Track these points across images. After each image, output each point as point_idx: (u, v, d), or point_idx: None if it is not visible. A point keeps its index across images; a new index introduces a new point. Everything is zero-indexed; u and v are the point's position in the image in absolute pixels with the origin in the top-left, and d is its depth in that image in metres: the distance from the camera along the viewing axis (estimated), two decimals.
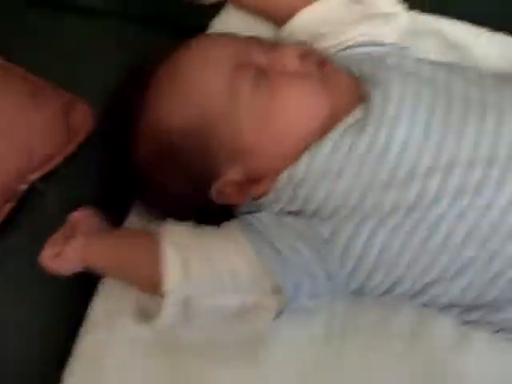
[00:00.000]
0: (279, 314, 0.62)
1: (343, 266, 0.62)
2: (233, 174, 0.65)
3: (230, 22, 0.77)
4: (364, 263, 0.61)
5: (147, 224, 0.71)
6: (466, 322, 0.65)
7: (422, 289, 0.63)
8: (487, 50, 0.74)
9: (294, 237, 0.62)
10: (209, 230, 0.65)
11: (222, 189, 0.65)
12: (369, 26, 0.71)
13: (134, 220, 0.73)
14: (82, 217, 0.69)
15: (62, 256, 0.66)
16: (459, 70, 0.67)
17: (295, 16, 0.72)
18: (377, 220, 0.60)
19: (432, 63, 0.67)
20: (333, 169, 0.61)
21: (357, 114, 0.62)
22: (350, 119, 0.62)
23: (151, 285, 0.63)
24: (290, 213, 0.63)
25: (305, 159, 0.62)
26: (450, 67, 0.67)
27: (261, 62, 0.64)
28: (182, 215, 0.67)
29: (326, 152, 0.61)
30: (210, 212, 0.67)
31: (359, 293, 0.64)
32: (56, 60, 0.78)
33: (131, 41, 0.80)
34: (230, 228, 0.65)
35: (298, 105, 0.63)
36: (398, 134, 0.60)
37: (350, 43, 0.70)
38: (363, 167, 0.60)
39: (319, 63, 0.64)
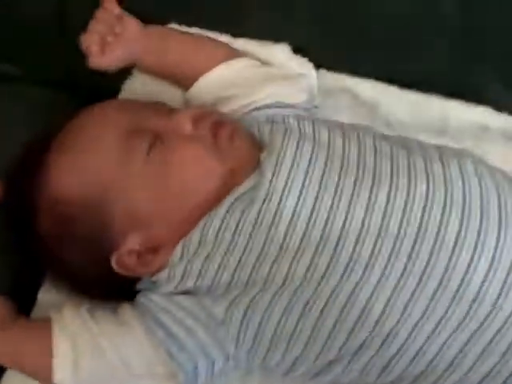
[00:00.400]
0: None
1: (240, 346, 0.61)
2: (130, 243, 0.63)
3: (139, 87, 0.77)
4: (261, 342, 0.61)
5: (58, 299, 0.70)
6: None
7: (322, 368, 0.61)
8: (396, 107, 0.75)
9: (188, 319, 0.61)
10: (104, 314, 0.64)
11: (122, 259, 0.64)
12: (276, 87, 0.71)
13: (45, 296, 0.72)
14: None
15: None
16: (357, 135, 0.65)
17: (200, 79, 0.72)
18: (270, 296, 0.59)
19: (331, 126, 0.67)
20: (223, 242, 0.60)
21: (248, 183, 0.61)
22: (241, 189, 0.61)
23: (47, 377, 0.63)
24: (184, 292, 0.62)
25: (197, 230, 0.61)
26: (349, 131, 0.66)
27: (158, 128, 0.64)
28: (89, 289, 0.66)
29: (216, 224, 0.60)
30: (117, 285, 0.65)
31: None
32: None
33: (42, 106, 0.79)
34: (125, 310, 0.63)
35: (190, 168, 0.62)
36: (288, 205, 0.59)
37: (256, 105, 0.70)
38: (253, 240, 0.59)
39: (214, 127, 0.64)
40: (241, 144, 0.64)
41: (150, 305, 0.62)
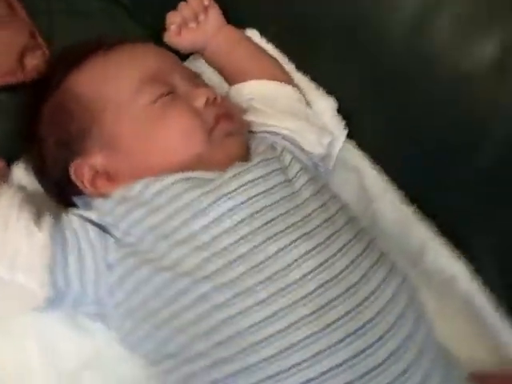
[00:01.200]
0: (43, 306, 0.64)
1: (110, 297, 0.63)
2: (96, 158, 0.68)
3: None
4: (127, 305, 0.63)
5: None
6: None
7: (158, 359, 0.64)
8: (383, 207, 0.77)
9: (86, 248, 0.64)
10: (30, 211, 0.66)
11: (80, 168, 0.68)
12: (302, 127, 0.74)
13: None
14: None
15: None
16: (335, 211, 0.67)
17: (245, 83, 0.78)
18: (155, 269, 0.61)
19: (320, 192, 0.68)
20: (152, 204, 0.64)
21: (208, 174, 0.65)
22: (199, 174, 0.65)
23: None
24: (99, 226, 0.66)
25: (141, 183, 0.65)
26: (330, 204, 0.67)
27: (176, 88, 0.69)
28: (45, 180, 0.73)
29: (158, 188, 0.64)
30: (63, 187, 0.70)
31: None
32: None
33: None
34: (47, 217, 0.66)
35: (178, 132, 0.67)
36: (220, 208, 0.62)
37: (273, 129, 0.73)
38: (175, 217, 0.62)
39: (221, 117, 0.68)
40: (231, 146, 0.68)
41: (66, 220, 0.66)
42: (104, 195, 0.67)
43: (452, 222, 0.75)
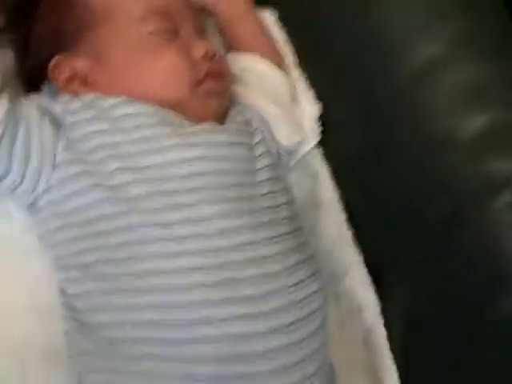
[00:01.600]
0: None
1: (48, 193, 0.63)
2: (80, 62, 0.68)
3: None
4: (64, 204, 0.63)
5: None
6: None
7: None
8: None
9: (35, 144, 0.63)
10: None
11: (62, 64, 0.68)
12: (278, 115, 0.75)
13: None
14: None
15: None
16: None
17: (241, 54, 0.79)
18: (93, 183, 0.62)
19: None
20: (115, 124, 0.64)
21: (182, 120, 0.65)
22: (172, 114, 0.65)
23: None
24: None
25: (111, 98, 0.65)
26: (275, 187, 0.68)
27: (181, 31, 0.70)
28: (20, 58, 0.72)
29: (125, 111, 0.64)
30: (36, 73, 0.70)
31: None
32: None
33: None
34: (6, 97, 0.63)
35: (166, 70, 0.67)
36: (179, 153, 0.63)
37: (252, 106, 0.74)
38: (127, 146, 0.63)
39: (212, 73, 0.69)
40: (212, 104, 0.69)
41: (25, 105, 0.64)
42: (74, 95, 0.67)
43: (380, 258, 0.78)
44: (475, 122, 0.70)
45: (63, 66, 0.68)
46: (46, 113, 0.65)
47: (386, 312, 0.77)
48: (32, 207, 0.65)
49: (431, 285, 0.74)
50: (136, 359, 0.59)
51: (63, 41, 0.68)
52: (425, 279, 0.75)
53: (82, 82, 0.68)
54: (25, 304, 0.66)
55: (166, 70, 0.67)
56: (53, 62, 0.68)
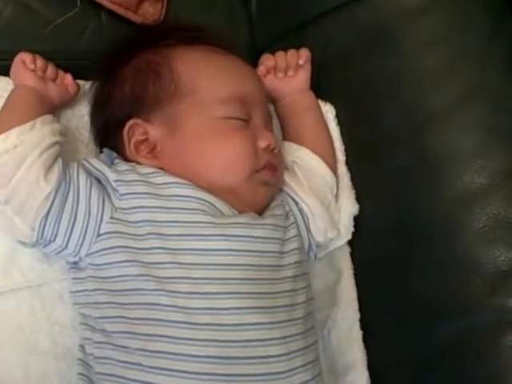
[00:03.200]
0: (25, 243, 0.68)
1: (89, 257, 0.67)
2: (154, 129, 0.72)
3: None
4: (101, 271, 0.67)
5: None
6: None
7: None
8: None
9: (82, 214, 0.66)
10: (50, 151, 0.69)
11: (137, 127, 0.72)
12: (319, 211, 0.77)
13: None
14: None
15: None
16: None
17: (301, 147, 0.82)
18: (131, 258, 0.65)
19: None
20: (165, 202, 0.68)
21: (226, 209, 0.69)
22: (218, 202, 0.69)
23: None
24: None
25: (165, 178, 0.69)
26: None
27: (252, 120, 0.73)
28: (95, 112, 0.76)
29: (177, 192, 0.68)
30: (106, 131, 0.75)
31: None
32: None
33: None
34: (59, 164, 0.68)
35: (229, 155, 0.71)
36: (214, 243, 0.66)
37: (295, 198, 0.77)
38: (170, 227, 0.67)
39: (269, 164, 0.73)
40: (262, 194, 0.73)
41: (75, 172, 0.68)
42: (136, 162, 0.71)
43: (379, 363, 0.81)
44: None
45: (137, 129, 0.72)
46: (94, 182, 0.69)
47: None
48: (75, 265, 0.70)
49: None
50: None
51: (143, 105, 0.72)
52: None
53: (150, 151, 0.72)
54: (48, 349, 0.71)
55: (232, 155, 0.71)
56: (131, 122, 0.72)
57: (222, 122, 0.71)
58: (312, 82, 0.86)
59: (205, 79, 0.73)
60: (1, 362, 0.70)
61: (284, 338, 0.66)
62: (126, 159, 0.73)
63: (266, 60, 0.84)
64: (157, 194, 0.68)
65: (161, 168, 0.71)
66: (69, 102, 0.78)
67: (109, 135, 0.75)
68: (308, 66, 0.85)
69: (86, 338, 0.68)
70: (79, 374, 0.68)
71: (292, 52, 0.84)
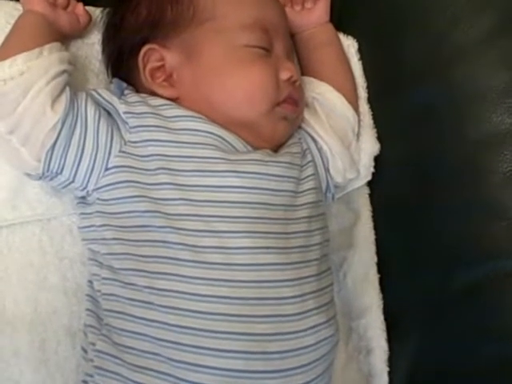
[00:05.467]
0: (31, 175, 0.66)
1: (97, 192, 0.65)
2: (172, 55, 0.68)
3: None
4: (110, 206, 0.64)
5: None
6: None
7: None
8: None
9: (90, 146, 0.64)
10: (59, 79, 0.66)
11: (153, 53, 0.68)
12: (339, 150, 0.74)
13: None
14: None
15: None
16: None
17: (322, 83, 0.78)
18: (140, 194, 0.63)
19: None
20: (176, 136, 0.65)
21: (239, 145, 0.66)
22: (231, 137, 0.66)
23: None
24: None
25: (186, 110, 0.66)
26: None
27: (274, 50, 0.70)
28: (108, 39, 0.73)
29: (189, 126, 0.65)
30: (121, 57, 0.71)
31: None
32: None
33: None
34: (67, 93, 0.65)
35: (249, 85, 0.67)
36: (226, 179, 0.64)
37: (314, 135, 0.74)
38: (180, 162, 0.64)
39: (290, 98, 0.69)
40: (281, 129, 0.70)
41: (83, 102, 0.65)
42: (149, 92, 0.68)
43: (397, 307, 0.79)
44: None
45: (154, 56, 0.68)
46: (106, 110, 0.66)
47: (391, 360, 0.79)
48: (83, 200, 0.68)
49: (441, 346, 0.76)
50: (142, 369, 0.61)
51: (159, 30, 0.68)
52: (436, 339, 0.76)
53: (166, 78, 0.68)
54: (57, 284, 0.70)
55: (252, 84, 0.67)
56: (146, 47, 0.68)
57: (242, 51, 0.68)
58: (333, 14, 0.81)
59: (226, 4, 0.69)
60: (10, 298, 0.69)
61: (298, 279, 0.64)
62: (140, 89, 0.70)
63: None
64: (167, 128, 0.65)
65: (177, 98, 0.68)
66: (79, 32, 0.75)
67: (122, 63, 0.71)
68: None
69: (94, 274, 0.67)
70: (87, 309, 0.67)
71: None
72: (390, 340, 0.79)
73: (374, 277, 0.80)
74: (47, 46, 0.66)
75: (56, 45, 0.67)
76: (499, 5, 0.74)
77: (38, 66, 0.64)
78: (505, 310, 0.71)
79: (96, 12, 0.76)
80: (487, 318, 0.72)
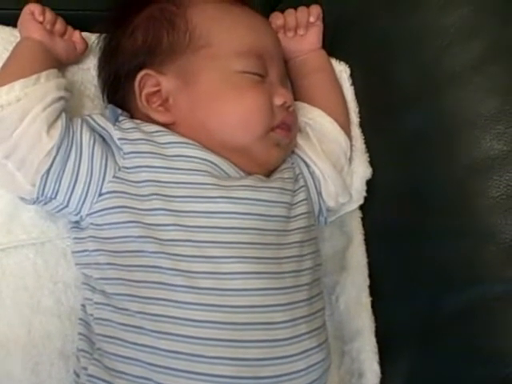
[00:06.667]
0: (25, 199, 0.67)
1: (90, 217, 0.65)
2: (167, 80, 0.69)
3: None
4: (103, 231, 0.65)
5: None
6: None
7: None
8: None
9: (84, 172, 0.65)
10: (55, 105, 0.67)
11: (149, 78, 0.69)
12: (331, 175, 0.75)
13: None
14: None
15: None
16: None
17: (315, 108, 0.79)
18: (133, 219, 0.64)
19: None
20: (168, 162, 0.66)
21: (232, 171, 0.67)
22: (224, 164, 0.67)
23: None
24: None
25: (177, 136, 0.67)
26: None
27: (268, 76, 0.71)
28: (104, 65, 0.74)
29: (183, 152, 0.66)
30: (116, 82, 0.72)
31: None
32: None
33: None
34: (63, 119, 0.66)
35: (244, 110, 0.68)
36: (218, 205, 0.64)
37: (307, 160, 0.75)
38: (173, 188, 0.65)
39: (283, 123, 0.70)
40: (274, 155, 0.71)
41: (79, 129, 0.66)
42: (145, 117, 0.69)
43: (388, 330, 0.80)
44: None
45: (150, 81, 0.69)
46: (97, 138, 0.67)
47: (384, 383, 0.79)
48: (76, 224, 0.69)
49: (432, 369, 0.76)
50: None
51: (155, 56, 0.70)
52: (427, 362, 0.76)
53: (162, 103, 0.69)
54: (51, 307, 0.71)
55: (247, 109, 0.68)
56: (142, 72, 0.69)
57: (237, 77, 0.69)
58: (326, 40, 0.82)
59: (221, 31, 0.70)
60: (4, 321, 0.70)
61: (289, 304, 0.65)
62: (136, 113, 0.71)
63: (275, 19, 0.81)
64: (161, 154, 0.66)
65: (173, 123, 0.69)
66: (75, 58, 0.76)
67: (117, 88, 0.72)
68: (319, 24, 0.81)
69: (87, 299, 0.67)
70: (80, 333, 0.67)
71: (302, 9, 0.81)
72: (382, 363, 0.79)
73: (366, 300, 0.80)
74: (44, 73, 0.67)
75: (53, 71, 0.69)
76: (488, 32, 0.75)
77: (35, 93, 0.65)
78: (494, 333, 0.72)
79: (92, 38, 0.77)
80: (476, 341, 0.73)
